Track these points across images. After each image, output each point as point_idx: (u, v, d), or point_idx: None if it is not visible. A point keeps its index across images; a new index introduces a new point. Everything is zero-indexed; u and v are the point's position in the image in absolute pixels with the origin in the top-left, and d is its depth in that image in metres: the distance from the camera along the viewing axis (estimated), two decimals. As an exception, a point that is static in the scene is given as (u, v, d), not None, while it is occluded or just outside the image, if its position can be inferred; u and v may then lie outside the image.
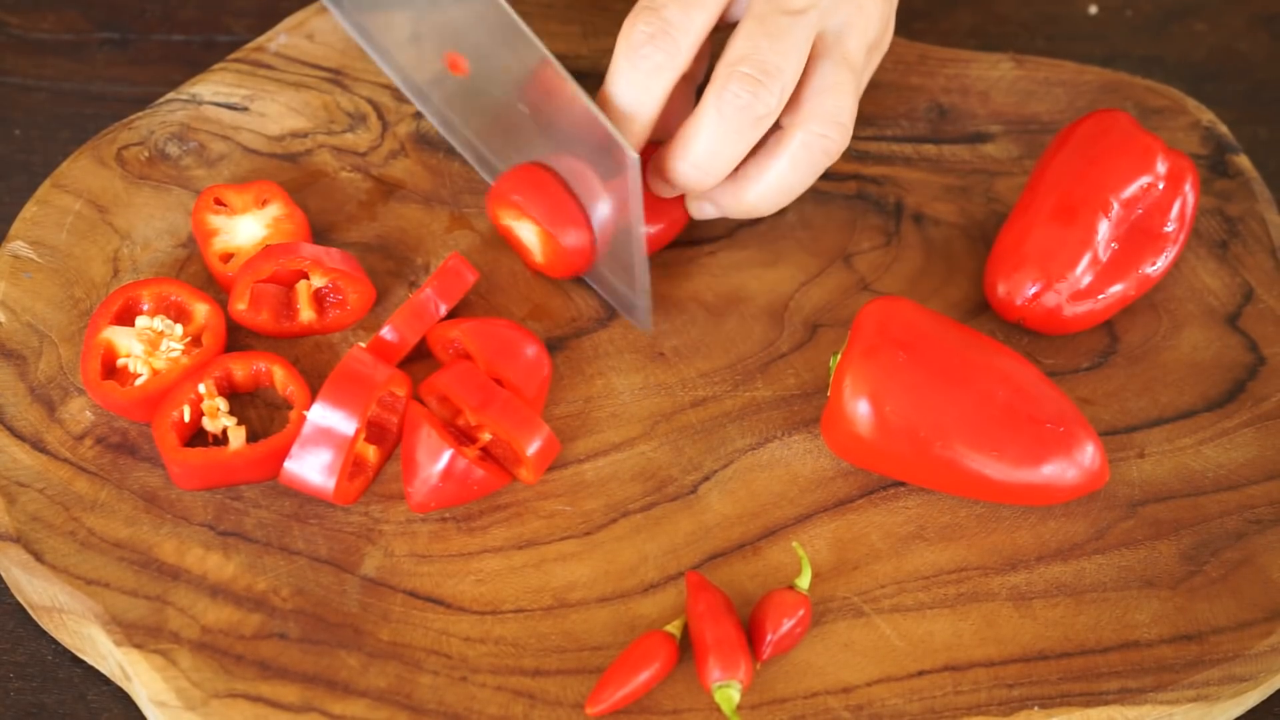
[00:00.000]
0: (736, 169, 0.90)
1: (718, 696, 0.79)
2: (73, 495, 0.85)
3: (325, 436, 0.83)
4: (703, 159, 0.87)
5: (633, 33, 0.86)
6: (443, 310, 0.90)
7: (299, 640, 0.81)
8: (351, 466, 0.85)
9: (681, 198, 0.94)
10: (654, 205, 0.93)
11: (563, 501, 0.87)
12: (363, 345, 0.87)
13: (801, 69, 0.88)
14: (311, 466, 0.83)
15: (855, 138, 1.02)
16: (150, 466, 0.86)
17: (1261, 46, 1.15)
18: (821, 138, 0.89)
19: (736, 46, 0.86)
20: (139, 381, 0.87)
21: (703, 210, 0.94)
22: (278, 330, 0.91)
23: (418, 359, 0.91)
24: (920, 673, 0.81)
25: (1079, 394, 0.92)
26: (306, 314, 0.91)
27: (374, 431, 0.87)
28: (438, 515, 0.86)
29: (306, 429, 0.83)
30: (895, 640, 0.82)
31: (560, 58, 0.89)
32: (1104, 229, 0.92)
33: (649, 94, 0.87)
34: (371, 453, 0.86)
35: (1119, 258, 0.92)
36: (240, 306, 0.90)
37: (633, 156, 0.85)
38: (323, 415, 0.83)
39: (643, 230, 0.87)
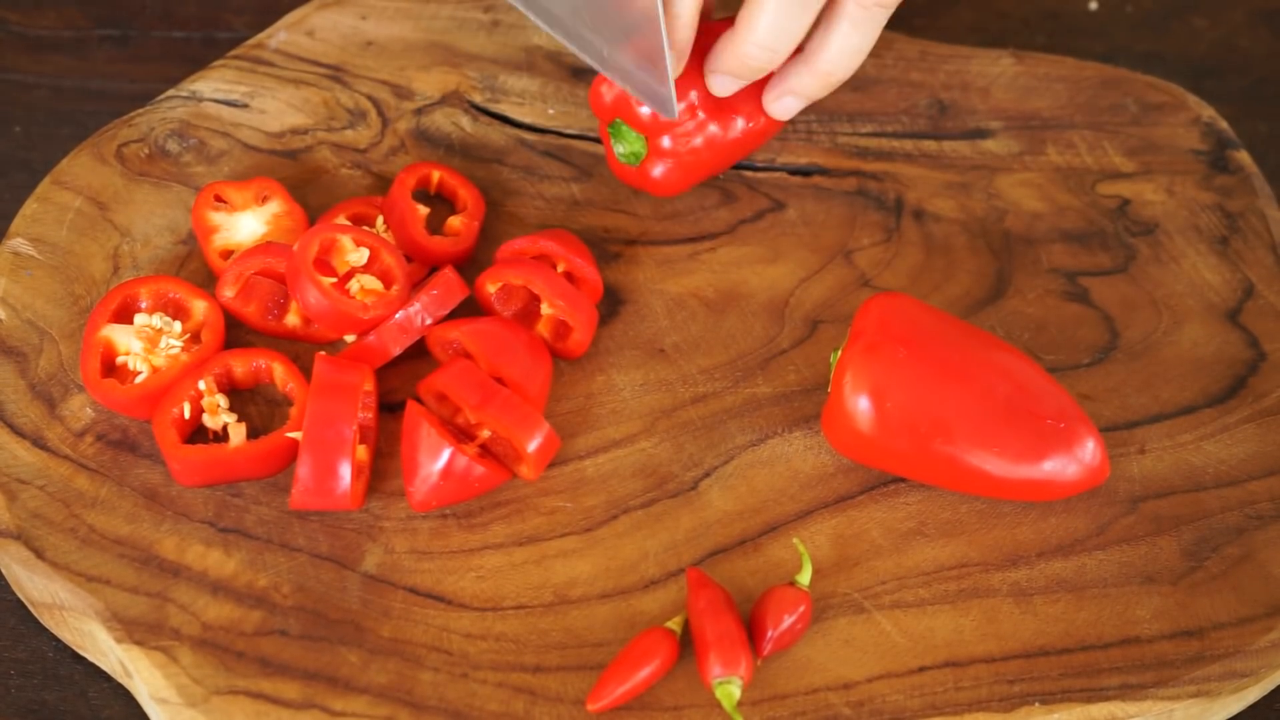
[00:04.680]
0: (798, 48, 0.90)
1: (719, 693, 0.79)
2: (73, 492, 0.85)
3: (326, 452, 0.83)
4: (768, 37, 0.87)
5: None
6: (429, 322, 0.90)
7: (300, 637, 0.81)
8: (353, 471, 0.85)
9: (759, 108, 0.94)
10: (730, 106, 0.93)
11: (563, 498, 0.87)
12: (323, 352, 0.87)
13: None
14: (322, 487, 0.83)
15: (855, 134, 1.02)
16: (151, 463, 0.86)
17: (1262, 42, 1.15)
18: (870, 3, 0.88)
19: None
20: (139, 379, 0.87)
21: (785, 105, 0.94)
22: (263, 326, 0.91)
23: (417, 358, 0.91)
24: (921, 669, 0.81)
25: (1080, 390, 0.92)
26: (293, 319, 0.91)
27: (359, 432, 0.87)
28: (438, 512, 0.86)
29: (304, 452, 0.83)
30: (896, 636, 0.82)
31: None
32: None
33: None
34: (362, 453, 0.86)
35: None
36: (228, 294, 0.90)
37: None
38: (317, 433, 0.83)
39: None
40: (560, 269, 0.92)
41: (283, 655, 0.80)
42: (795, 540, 0.84)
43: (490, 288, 0.91)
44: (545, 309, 0.91)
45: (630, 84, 0.91)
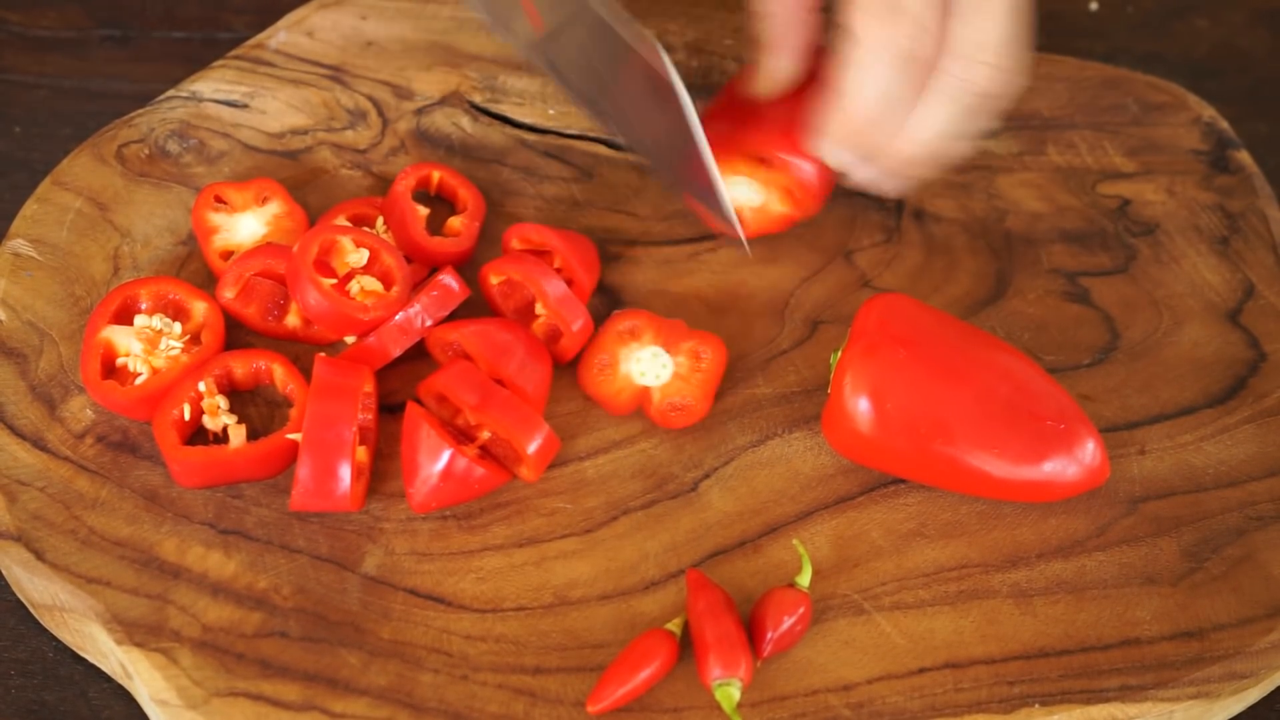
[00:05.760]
0: None
1: (718, 694, 0.79)
2: (74, 494, 0.85)
3: (326, 454, 0.83)
4: (875, 109, 0.81)
5: None
6: (429, 324, 0.90)
7: (300, 638, 0.81)
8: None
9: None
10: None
11: (563, 499, 0.87)
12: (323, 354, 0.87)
13: None
14: (322, 488, 0.83)
15: (856, 134, 1.02)
16: (151, 465, 0.86)
17: (1262, 43, 1.15)
18: (961, 79, 0.80)
19: None
20: (139, 380, 0.87)
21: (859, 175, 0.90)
22: (263, 327, 0.91)
23: (417, 359, 0.91)
24: (921, 670, 0.81)
25: (1080, 390, 0.92)
26: (293, 320, 0.91)
27: (359, 434, 0.87)
28: (438, 513, 0.86)
29: (304, 454, 0.83)
30: (896, 638, 0.82)
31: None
32: None
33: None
34: (362, 454, 0.86)
35: None
36: (228, 295, 0.90)
37: (674, 82, 0.84)
38: (317, 435, 0.83)
39: (708, 153, 0.87)
40: (555, 264, 0.92)
41: (283, 657, 0.80)
42: (795, 541, 0.84)
43: (494, 279, 0.91)
44: (540, 309, 0.91)
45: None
